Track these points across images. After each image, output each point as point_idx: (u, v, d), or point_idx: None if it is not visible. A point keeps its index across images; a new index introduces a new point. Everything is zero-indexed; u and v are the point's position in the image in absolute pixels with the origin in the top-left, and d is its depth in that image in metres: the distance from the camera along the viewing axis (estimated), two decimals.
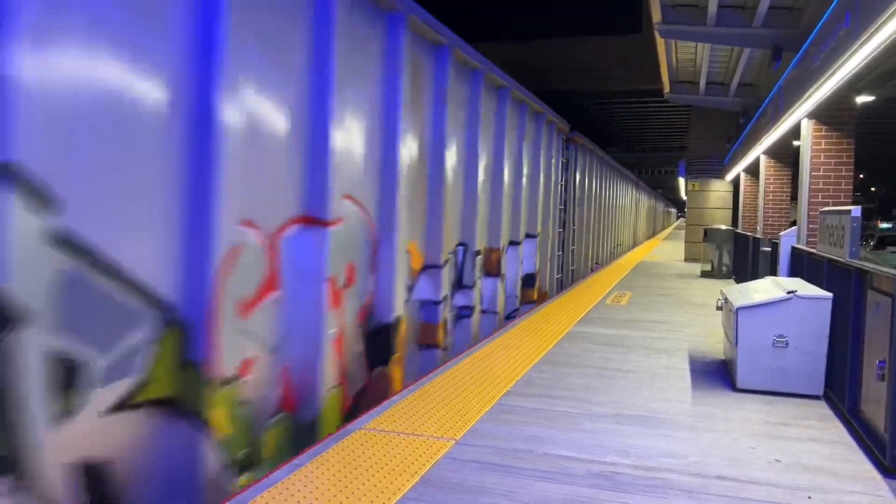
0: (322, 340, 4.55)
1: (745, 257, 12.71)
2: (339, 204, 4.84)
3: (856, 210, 4.95)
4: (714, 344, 7.13)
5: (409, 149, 5.99)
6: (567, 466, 3.66)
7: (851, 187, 7.71)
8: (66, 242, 2.95)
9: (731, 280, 14.01)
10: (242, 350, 3.94)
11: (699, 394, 5.21)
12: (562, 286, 13.10)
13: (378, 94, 5.52)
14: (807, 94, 6.98)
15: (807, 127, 7.86)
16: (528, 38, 26.02)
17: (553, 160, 11.88)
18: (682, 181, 28.29)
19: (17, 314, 2.74)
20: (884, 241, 22.04)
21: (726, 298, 6.05)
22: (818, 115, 7.67)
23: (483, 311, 8.42)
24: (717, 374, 5.87)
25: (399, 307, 5.72)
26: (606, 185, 19.00)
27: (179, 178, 3.50)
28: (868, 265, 4.51)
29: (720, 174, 19.74)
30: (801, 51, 7.50)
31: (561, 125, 12.12)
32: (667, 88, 16.29)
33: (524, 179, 10.00)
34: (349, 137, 5.09)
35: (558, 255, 12.81)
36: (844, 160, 7.70)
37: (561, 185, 12.71)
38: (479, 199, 7.82)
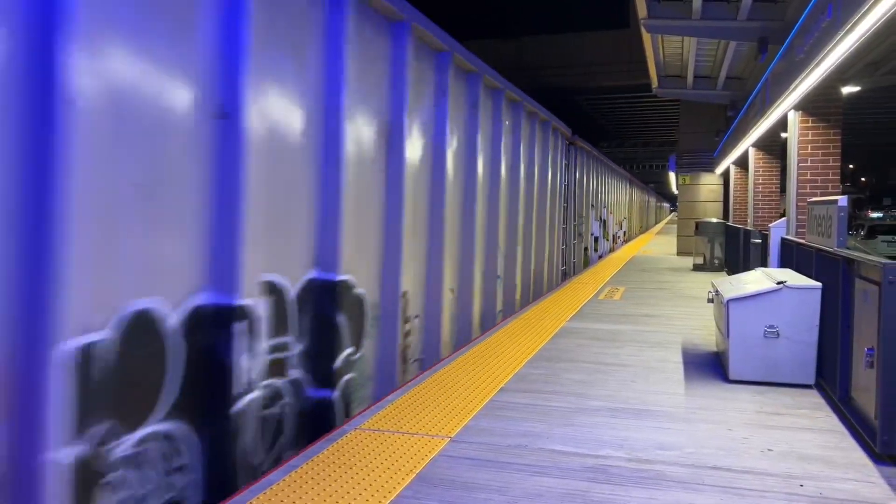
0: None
1: (736, 249, 12.76)
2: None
3: (842, 200, 4.99)
4: (707, 336, 7.18)
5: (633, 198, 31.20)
6: (561, 461, 3.68)
7: (839, 177, 7.76)
8: None
9: (724, 272, 14.08)
10: None
11: (693, 386, 5.24)
12: (626, 240, 28.56)
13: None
14: (793, 86, 7.02)
15: (793, 119, 7.91)
16: (520, 35, 26.09)
17: (631, 189, 27.76)
18: (672, 175, 29.28)
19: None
20: (874, 231, 22.16)
21: (717, 291, 6.09)
22: (804, 106, 7.71)
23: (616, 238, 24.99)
24: (710, 366, 5.91)
25: (612, 235, 23.92)
26: (640, 196, 37.82)
27: None
28: (855, 254, 4.55)
29: (710, 167, 19.79)
30: (786, 43, 7.54)
31: (630, 175, 27.36)
32: (655, 83, 16.32)
33: (632, 204, 28.74)
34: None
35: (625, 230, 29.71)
36: (832, 151, 7.74)
37: (627, 198, 28.26)
38: (622, 211, 25.87)
